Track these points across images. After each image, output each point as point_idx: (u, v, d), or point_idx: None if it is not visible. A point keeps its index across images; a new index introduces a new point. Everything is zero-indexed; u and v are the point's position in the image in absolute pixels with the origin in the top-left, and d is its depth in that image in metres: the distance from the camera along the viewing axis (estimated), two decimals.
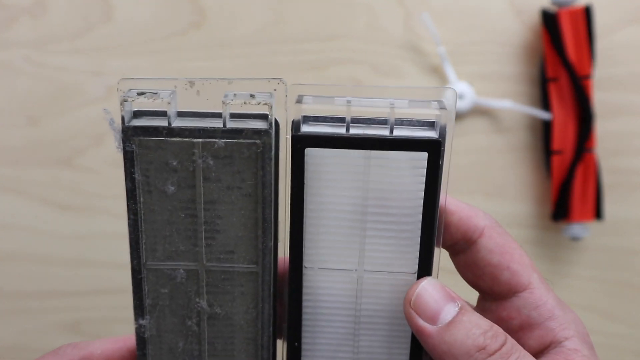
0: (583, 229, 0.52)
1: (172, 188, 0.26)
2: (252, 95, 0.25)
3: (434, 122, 0.25)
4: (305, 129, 0.25)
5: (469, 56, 0.53)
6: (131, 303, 0.30)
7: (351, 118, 0.25)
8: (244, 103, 0.25)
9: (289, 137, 0.25)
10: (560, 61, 0.50)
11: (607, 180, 0.52)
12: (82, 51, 0.55)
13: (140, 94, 0.25)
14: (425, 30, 0.53)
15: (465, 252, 0.28)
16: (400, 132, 0.25)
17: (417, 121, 0.25)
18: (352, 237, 0.27)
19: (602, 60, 0.52)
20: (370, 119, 0.25)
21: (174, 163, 0.25)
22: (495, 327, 0.25)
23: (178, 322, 0.28)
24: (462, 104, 0.52)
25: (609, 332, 0.55)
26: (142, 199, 0.26)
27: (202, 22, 0.54)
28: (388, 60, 0.54)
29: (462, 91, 0.52)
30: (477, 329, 0.25)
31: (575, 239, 0.52)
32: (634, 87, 0.52)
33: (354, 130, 0.25)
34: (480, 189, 0.54)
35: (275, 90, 0.25)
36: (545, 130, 0.52)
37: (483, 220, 0.28)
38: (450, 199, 0.27)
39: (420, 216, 0.26)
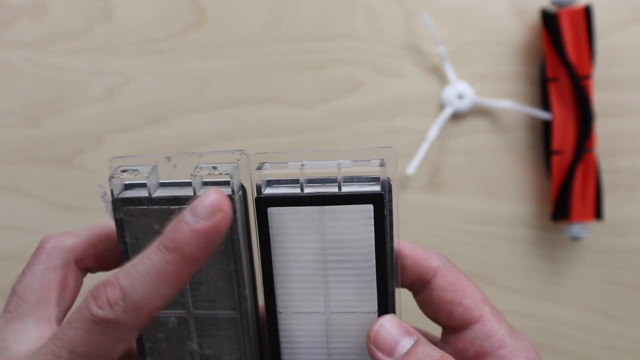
0: (583, 229, 0.52)
1: None
2: (214, 167, 0.28)
3: (379, 177, 0.28)
4: (267, 191, 0.29)
5: (469, 56, 0.53)
6: None
7: (306, 179, 0.29)
8: (208, 174, 0.28)
9: (253, 199, 0.29)
10: (560, 61, 0.50)
11: (607, 180, 0.52)
12: (82, 51, 0.55)
13: (124, 170, 0.28)
14: (425, 30, 0.53)
15: (422, 291, 0.31)
16: (348, 188, 0.28)
17: (365, 177, 0.29)
18: (317, 282, 0.30)
19: (602, 60, 0.52)
20: (324, 179, 0.29)
21: (157, 227, 0.28)
22: (447, 356, 0.27)
23: None
24: (462, 104, 0.52)
25: (609, 332, 0.55)
26: None
27: (202, 22, 0.54)
28: (388, 60, 0.54)
29: (462, 91, 0.52)
30: (429, 359, 0.27)
31: (575, 239, 0.52)
32: (634, 87, 0.52)
33: (308, 190, 0.29)
34: (480, 189, 0.54)
35: (238, 160, 0.29)
36: (545, 130, 0.52)
37: (436, 261, 0.31)
38: (404, 243, 0.30)
39: (374, 260, 0.29)
